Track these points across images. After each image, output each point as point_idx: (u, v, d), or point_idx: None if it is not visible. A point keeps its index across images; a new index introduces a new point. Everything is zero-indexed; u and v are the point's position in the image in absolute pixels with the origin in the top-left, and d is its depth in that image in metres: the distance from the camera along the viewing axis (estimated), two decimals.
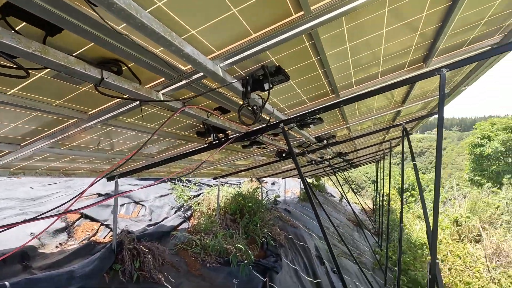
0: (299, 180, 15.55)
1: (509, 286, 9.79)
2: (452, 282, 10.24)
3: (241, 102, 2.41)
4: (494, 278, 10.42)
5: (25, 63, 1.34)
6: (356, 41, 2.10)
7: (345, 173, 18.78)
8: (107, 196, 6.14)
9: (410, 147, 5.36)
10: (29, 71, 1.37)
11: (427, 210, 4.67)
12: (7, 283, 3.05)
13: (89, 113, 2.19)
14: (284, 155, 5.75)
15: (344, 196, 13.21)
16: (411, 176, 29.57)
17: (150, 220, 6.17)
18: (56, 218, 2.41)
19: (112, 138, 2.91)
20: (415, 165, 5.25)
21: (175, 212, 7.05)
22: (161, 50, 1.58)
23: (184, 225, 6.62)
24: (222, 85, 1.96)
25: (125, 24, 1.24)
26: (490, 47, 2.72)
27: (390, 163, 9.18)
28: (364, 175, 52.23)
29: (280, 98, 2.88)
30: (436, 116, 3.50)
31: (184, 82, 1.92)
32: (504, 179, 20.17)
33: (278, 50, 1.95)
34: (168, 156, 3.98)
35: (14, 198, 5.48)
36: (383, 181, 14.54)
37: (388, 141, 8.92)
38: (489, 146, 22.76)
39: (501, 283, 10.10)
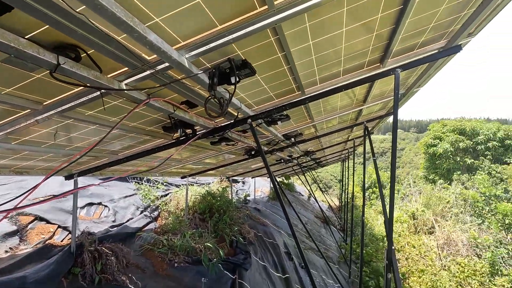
0: (269, 179, 15.77)
1: (457, 272, 10.80)
2: (409, 270, 11.05)
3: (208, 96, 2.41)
4: (444, 266, 11.42)
5: None
6: (319, 38, 2.21)
7: (313, 172, 19.40)
8: (65, 197, 5.75)
9: (371, 144, 5.70)
10: None
11: (386, 204, 5.01)
12: None
13: (44, 103, 2.05)
14: (253, 153, 5.82)
15: (312, 195, 13.65)
16: (373, 174, 31.32)
17: (113, 221, 5.89)
18: (1, 217, 2.22)
19: (71, 132, 2.75)
20: (374, 161, 5.60)
21: (141, 212, 6.80)
22: (124, 37, 1.54)
23: (151, 226, 6.42)
24: (188, 76, 1.95)
25: (84, 6, 1.20)
26: (437, 51, 3.00)
27: (353, 161, 9.68)
28: (331, 175, 54.43)
29: (247, 94, 2.92)
30: (389, 119, 3.78)
31: (148, 72, 1.88)
32: (454, 176, 22.16)
33: (244, 44, 1.99)
34: (133, 152, 3.84)
35: None
36: (349, 180, 15.27)
37: (352, 140, 9.39)
38: (441, 146, 24.88)
39: (450, 269, 11.10)
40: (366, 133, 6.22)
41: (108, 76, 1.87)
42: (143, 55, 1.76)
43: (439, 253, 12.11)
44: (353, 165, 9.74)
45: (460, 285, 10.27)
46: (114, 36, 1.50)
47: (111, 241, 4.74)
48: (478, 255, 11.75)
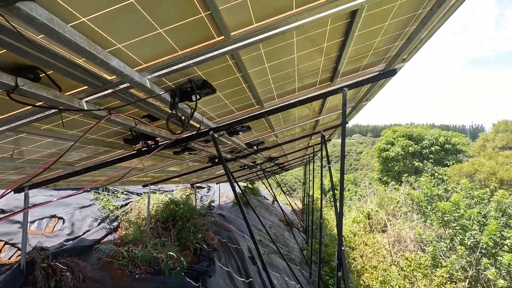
0: None
1: (405, 266, 11.86)
2: (363, 267, 11.87)
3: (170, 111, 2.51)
4: (394, 261, 12.46)
5: None
6: (274, 62, 2.44)
7: (278, 176, 19.91)
8: (12, 212, 5.32)
9: (327, 151, 6.15)
10: None
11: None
12: None
13: None
14: (216, 160, 5.93)
15: (275, 199, 14.02)
16: (334, 177, 32.97)
17: (68, 234, 5.57)
18: None
19: (22, 145, 2.65)
20: (329, 168, 6.04)
21: (99, 224, 6.50)
22: (84, 60, 1.60)
23: (110, 237, 6.17)
24: (151, 96, 2.04)
25: (43, 35, 1.26)
26: (378, 73, 3.43)
27: (313, 166, 10.21)
28: (296, 178, 55.97)
29: (209, 108, 3.06)
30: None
31: (110, 91, 1.94)
32: (403, 178, 24.21)
33: (205, 66, 2.13)
34: (91, 164, 3.74)
35: None
36: (311, 183, 15.95)
37: (311, 147, 9.92)
38: (392, 150, 27.08)
39: (400, 264, 12.14)
40: (323, 141, 6.68)
41: (68, 94, 1.89)
42: (105, 75, 1.82)
43: (390, 250, 13.19)
44: (313, 171, 10.29)
45: (407, 278, 11.30)
46: (76, 60, 1.56)
47: (66, 255, 4.51)
48: (422, 250, 13.01)
